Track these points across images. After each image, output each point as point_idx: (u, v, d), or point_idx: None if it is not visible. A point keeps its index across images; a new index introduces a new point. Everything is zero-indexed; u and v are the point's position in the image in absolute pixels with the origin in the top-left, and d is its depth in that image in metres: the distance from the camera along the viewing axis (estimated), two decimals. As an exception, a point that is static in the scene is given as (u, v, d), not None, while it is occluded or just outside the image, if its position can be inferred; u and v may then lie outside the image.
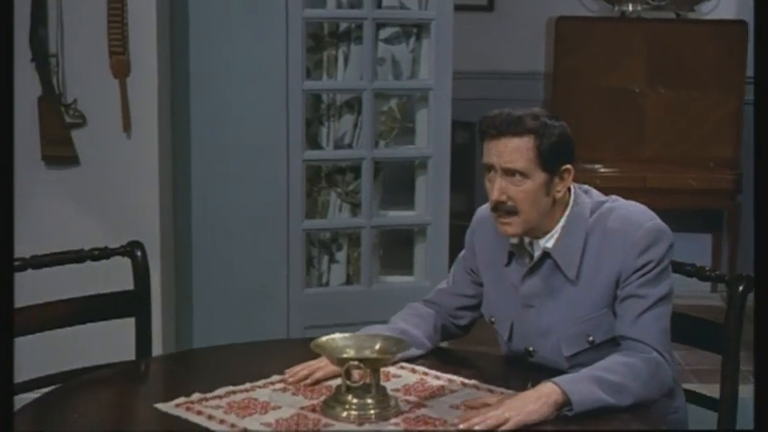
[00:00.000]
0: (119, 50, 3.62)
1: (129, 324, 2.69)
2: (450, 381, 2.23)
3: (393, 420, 2.01)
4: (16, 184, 3.77)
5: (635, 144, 5.73)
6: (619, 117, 5.73)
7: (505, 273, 2.36)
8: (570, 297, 2.26)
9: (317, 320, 3.85)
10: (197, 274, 3.98)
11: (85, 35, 3.61)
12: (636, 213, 2.27)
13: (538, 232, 2.28)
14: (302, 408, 2.07)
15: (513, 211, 2.22)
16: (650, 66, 5.70)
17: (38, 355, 3.32)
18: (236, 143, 3.92)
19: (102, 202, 3.71)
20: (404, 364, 2.32)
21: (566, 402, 2.01)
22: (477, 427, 1.93)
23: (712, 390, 2.50)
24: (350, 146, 4.02)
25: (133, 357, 2.65)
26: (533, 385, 2.05)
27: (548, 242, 2.27)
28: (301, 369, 2.22)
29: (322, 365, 2.21)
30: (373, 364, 2.05)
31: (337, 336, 2.14)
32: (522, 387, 2.10)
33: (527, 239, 2.30)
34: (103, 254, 2.68)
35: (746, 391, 2.20)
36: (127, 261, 2.69)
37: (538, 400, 1.99)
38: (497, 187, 2.21)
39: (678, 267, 2.48)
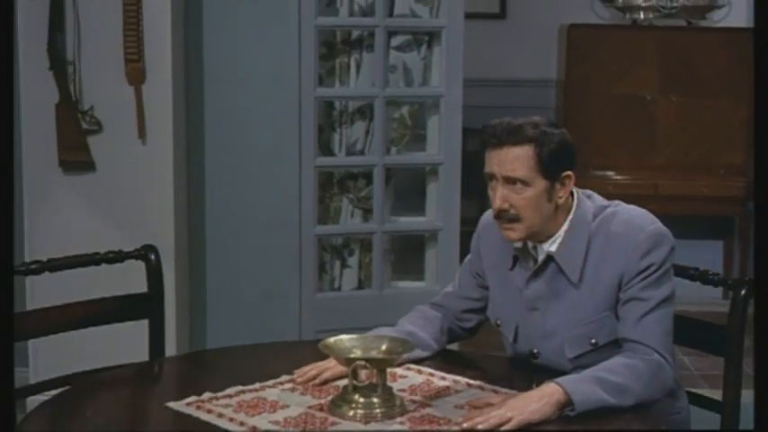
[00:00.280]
0: (134, 58, 3.68)
1: (142, 326, 2.74)
2: (455, 381, 2.27)
3: (398, 419, 2.05)
4: (34, 189, 3.87)
5: (646, 151, 5.76)
6: (630, 124, 5.76)
7: (510, 276, 2.40)
8: (573, 300, 2.30)
9: (329, 324, 3.88)
10: (211, 277, 4.04)
11: (102, 43, 3.68)
12: (638, 217, 2.30)
13: (542, 236, 2.32)
14: (310, 407, 2.12)
15: (515, 219, 2.26)
16: (662, 73, 5.73)
17: (54, 356, 3.39)
18: (250, 149, 3.98)
19: (117, 207, 3.77)
20: (410, 365, 2.36)
21: (568, 402, 2.05)
22: (480, 426, 1.97)
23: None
24: (362, 152, 4.06)
25: (147, 358, 2.69)
26: (537, 386, 2.09)
27: (551, 246, 2.31)
28: (310, 369, 2.27)
29: (330, 366, 2.25)
30: (379, 365, 2.09)
31: (345, 337, 2.18)
32: (526, 388, 2.13)
33: (531, 243, 2.34)
34: (118, 257, 2.73)
35: (750, 397, 2.22)
36: (141, 264, 2.74)
37: (540, 399, 2.03)
38: (499, 196, 2.25)
39: (682, 271, 2.51)
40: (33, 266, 2.64)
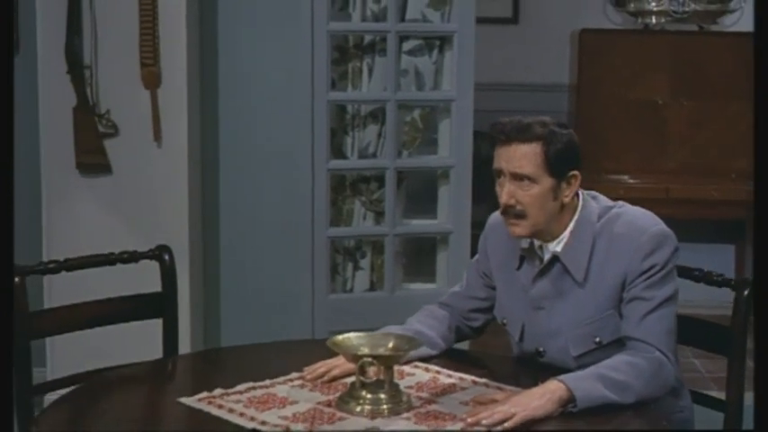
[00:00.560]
0: (150, 62, 3.74)
1: (156, 325, 2.80)
2: (461, 379, 2.32)
3: (404, 415, 2.09)
4: (52, 190, 3.93)
5: (658, 155, 5.78)
6: (642, 128, 5.78)
7: (517, 276, 2.44)
8: (578, 299, 2.34)
9: (341, 326, 3.88)
10: (225, 278, 4.10)
11: (118, 47, 3.74)
12: (641, 219, 2.35)
13: (547, 236, 2.36)
14: (318, 403, 2.17)
15: (521, 215, 2.30)
16: (673, 78, 5.75)
17: (70, 356, 3.44)
18: (264, 152, 4.03)
19: (133, 209, 3.83)
20: (418, 364, 2.41)
21: (570, 399, 2.09)
22: (484, 422, 2.01)
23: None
24: (374, 155, 4.10)
25: (161, 357, 2.75)
26: (541, 383, 2.13)
27: (557, 246, 2.36)
28: (319, 366, 2.32)
29: (339, 363, 2.30)
30: (386, 361, 2.14)
31: (353, 334, 2.23)
32: (531, 385, 2.16)
33: (537, 243, 2.38)
34: (133, 257, 2.78)
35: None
36: (155, 264, 2.80)
37: (543, 396, 2.08)
38: (506, 191, 2.30)
39: (686, 272, 2.55)
40: (51, 266, 2.70)
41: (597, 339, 2.33)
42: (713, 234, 5.90)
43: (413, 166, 4.16)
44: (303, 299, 4.06)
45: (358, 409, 2.10)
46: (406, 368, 2.36)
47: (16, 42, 4.21)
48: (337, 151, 4.10)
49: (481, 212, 2.72)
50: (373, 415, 2.08)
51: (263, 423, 2.05)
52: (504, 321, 2.51)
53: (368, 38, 4.05)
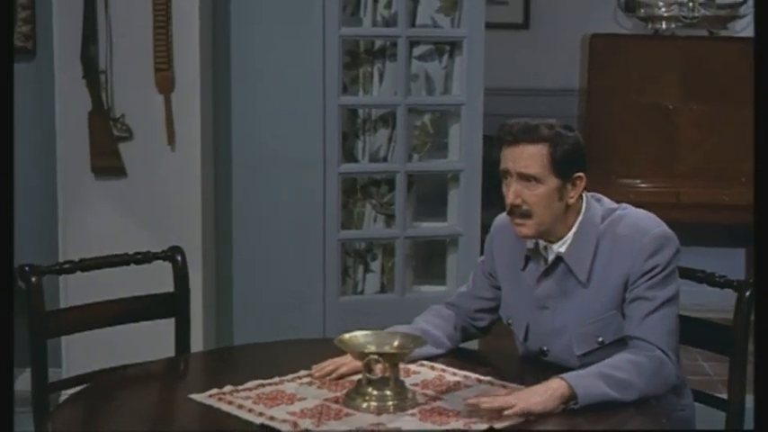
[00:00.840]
0: (164, 67, 3.79)
1: (169, 328, 2.84)
2: (466, 377, 2.36)
3: (410, 411, 2.14)
4: (67, 193, 4.00)
5: (668, 160, 5.80)
6: (652, 133, 5.80)
7: (522, 276, 2.49)
8: (582, 299, 2.38)
9: (352, 327, 3.90)
10: (237, 280, 4.14)
11: (132, 53, 3.80)
12: (644, 221, 2.39)
13: (552, 237, 2.40)
14: (326, 399, 2.21)
15: (527, 214, 2.35)
16: (683, 82, 5.76)
17: (85, 357, 3.50)
18: (276, 156, 4.08)
19: (147, 211, 3.88)
20: (424, 362, 2.45)
21: (572, 396, 2.13)
22: (483, 405, 2.06)
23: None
24: (384, 159, 4.15)
25: (173, 355, 2.80)
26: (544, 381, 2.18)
27: (561, 247, 2.40)
28: (327, 365, 2.37)
29: (347, 362, 2.34)
30: (392, 359, 2.18)
31: (360, 333, 2.28)
32: (535, 384, 2.19)
33: (542, 244, 2.43)
34: (146, 258, 2.84)
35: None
36: (168, 265, 2.85)
37: (545, 392, 2.12)
38: (513, 191, 2.35)
39: (689, 274, 2.59)
40: (66, 266, 2.76)
41: (600, 339, 2.37)
42: (724, 238, 5.91)
43: (423, 169, 4.21)
44: (314, 301, 4.11)
45: (364, 405, 2.15)
46: (412, 366, 2.41)
47: (33, 49, 4.29)
48: (348, 155, 4.15)
49: (491, 216, 2.76)
50: (379, 411, 2.13)
51: (272, 418, 2.10)
52: (509, 321, 2.55)
53: (379, 43, 4.10)
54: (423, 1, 4.06)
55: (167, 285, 2.84)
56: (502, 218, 2.56)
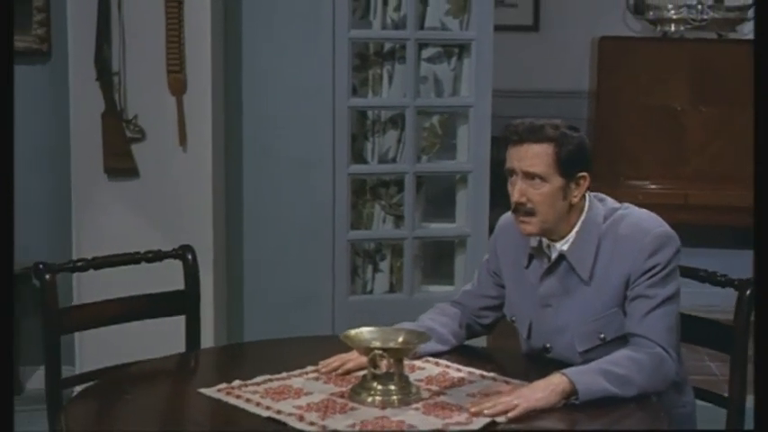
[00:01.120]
0: (176, 69, 3.84)
1: (179, 326, 2.89)
2: (470, 373, 2.40)
3: (414, 406, 2.17)
4: (81, 193, 4.07)
5: (677, 161, 5.82)
6: (661, 135, 5.82)
7: (525, 274, 2.53)
8: (584, 297, 2.42)
9: (361, 327, 4.01)
10: (247, 280, 4.19)
11: (145, 55, 3.85)
12: (645, 220, 2.43)
13: (555, 236, 2.44)
14: (332, 394, 2.26)
15: (531, 213, 2.39)
16: (692, 85, 5.79)
17: (98, 355, 3.55)
18: (286, 157, 4.13)
19: (159, 211, 3.93)
20: (428, 358, 2.49)
21: (573, 391, 2.17)
22: (486, 412, 2.10)
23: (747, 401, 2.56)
24: (393, 160, 4.19)
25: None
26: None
27: (564, 245, 2.44)
28: (333, 360, 2.41)
29: (353, 358, 2.38)
30: (396, 354, 2.22)
31: (365, 329, 2.32)
32: (537, 380, 2.24)
33: (545, 242, 2.47)
34: (157, 256, 2.88)
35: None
36: (178, 263, 2.89)
37: (546, 389, 2.16)
38: (518, 189, 2.39)
39: (691, 273, 2.63)
40: (79, 264, 2.81)
41: (602, 336, 2.41)
42: (732, 240, 5.92)
43: (432, 170, 4.25)
44: (324, 300, 4.15)
45: (369, 399, 2.19)
46: (417, 362, 2.45)
47: (48, 51, 4.35)
48: (358, 156, 4.19)
49: (498, 216, 2.81)
50: (383, 405, 2.17)
51: (279, 412, 2.14)
52: (513, 319, 2.59)
53: (388, 45, 4.14)
54: (432, 3, 4.11)
55: (178, 283, 2.88)
56: (506, 217, 2.61)
